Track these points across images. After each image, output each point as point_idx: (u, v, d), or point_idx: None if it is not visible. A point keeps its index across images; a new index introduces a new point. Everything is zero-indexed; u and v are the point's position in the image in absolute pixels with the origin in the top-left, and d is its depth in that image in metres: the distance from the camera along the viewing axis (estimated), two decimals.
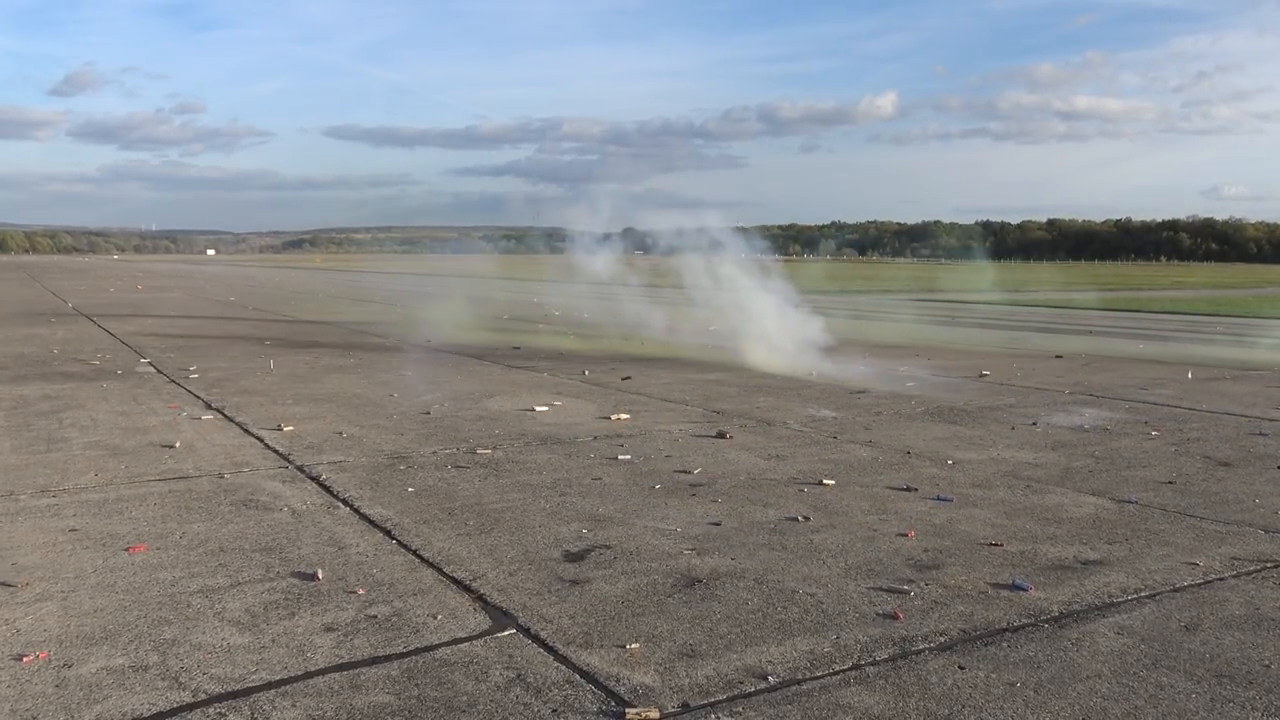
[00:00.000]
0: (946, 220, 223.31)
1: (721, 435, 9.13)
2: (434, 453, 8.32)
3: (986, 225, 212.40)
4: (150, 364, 14.60)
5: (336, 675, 3.98)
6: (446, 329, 19.76)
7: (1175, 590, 5.05)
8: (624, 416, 10.07)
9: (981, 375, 13.73)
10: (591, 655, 4.19)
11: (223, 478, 7.40)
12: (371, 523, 6.21)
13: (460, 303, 25.27)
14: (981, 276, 56.11)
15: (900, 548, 5.72)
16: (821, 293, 32.22)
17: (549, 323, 22.94)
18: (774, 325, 15.54)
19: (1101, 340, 20.14)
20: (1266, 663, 4.16)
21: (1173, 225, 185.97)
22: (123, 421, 9.76)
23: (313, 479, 7.36)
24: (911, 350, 17.25)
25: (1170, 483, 7.38)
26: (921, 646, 4.29)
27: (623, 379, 12.98)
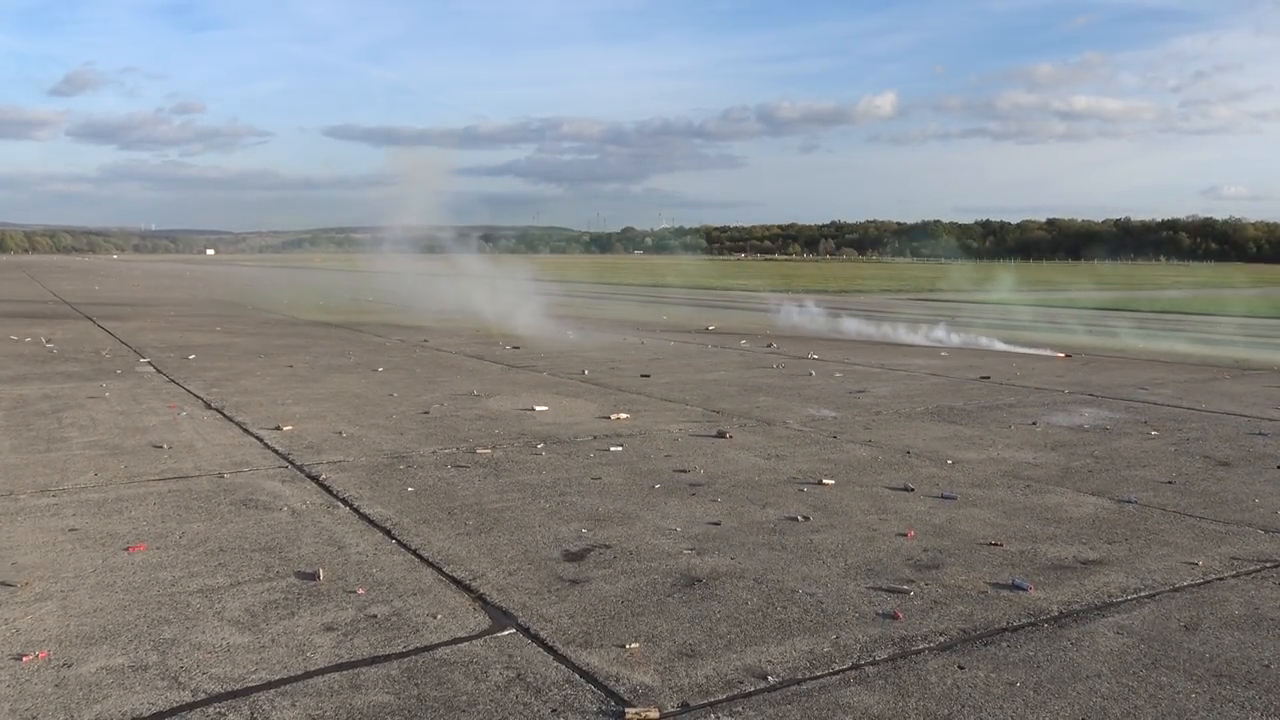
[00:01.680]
0: (946, 220, 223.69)
1: (721, 435, 9.13)
2: (434, 452, 8.32)
3: (986, 225, 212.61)
4: (150, 363, 14.60)
5: (336, 675, 3.98)
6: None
7: (1175, 590, 5.05)
8: (624, 416, 10.07)
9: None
10: (591, 655, 4.19)
11: (222, 477, 7.40)
12: (371, 522, 6.21)
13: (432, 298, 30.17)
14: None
15: (900, 547, 5.72)
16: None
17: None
18: (493, 304, 22.50)
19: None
20: (1266, 663, 4.16)
21: (1172, 225, 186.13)
22: (122, 421, 9.75)
23: (312, 479, 7.36)
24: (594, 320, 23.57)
25: (1170, 482, 7.38)
26: (921, 646, 4.29)
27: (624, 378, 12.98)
